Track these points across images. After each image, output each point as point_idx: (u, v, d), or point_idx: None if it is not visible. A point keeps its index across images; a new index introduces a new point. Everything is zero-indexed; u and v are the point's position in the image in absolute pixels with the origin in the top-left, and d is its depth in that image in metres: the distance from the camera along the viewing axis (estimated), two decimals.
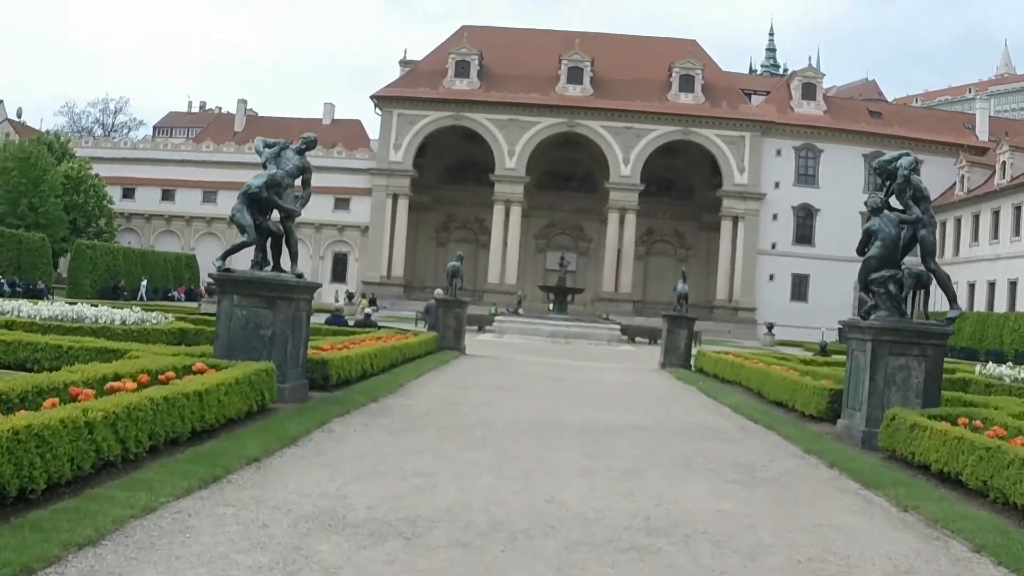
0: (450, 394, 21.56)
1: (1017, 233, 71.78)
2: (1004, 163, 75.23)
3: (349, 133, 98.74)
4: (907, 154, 19.19)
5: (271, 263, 18.35)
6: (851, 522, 10.98)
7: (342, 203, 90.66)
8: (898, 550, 9.72)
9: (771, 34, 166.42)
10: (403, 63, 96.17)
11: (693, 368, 34.51)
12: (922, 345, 17.43)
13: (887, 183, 19.02)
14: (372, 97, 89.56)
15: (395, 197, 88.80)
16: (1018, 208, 72.33)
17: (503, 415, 18.28)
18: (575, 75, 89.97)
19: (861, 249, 18.73)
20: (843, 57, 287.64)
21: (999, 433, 13.73)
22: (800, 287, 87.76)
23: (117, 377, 12.51)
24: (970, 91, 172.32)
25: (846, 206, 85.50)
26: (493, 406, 19.74)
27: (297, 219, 18.97)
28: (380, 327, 35.43)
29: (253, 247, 18.11)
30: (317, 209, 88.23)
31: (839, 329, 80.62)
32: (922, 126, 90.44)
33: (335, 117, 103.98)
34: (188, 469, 10.71)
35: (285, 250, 18.53)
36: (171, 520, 8.79)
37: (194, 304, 61.34)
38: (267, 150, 18.61)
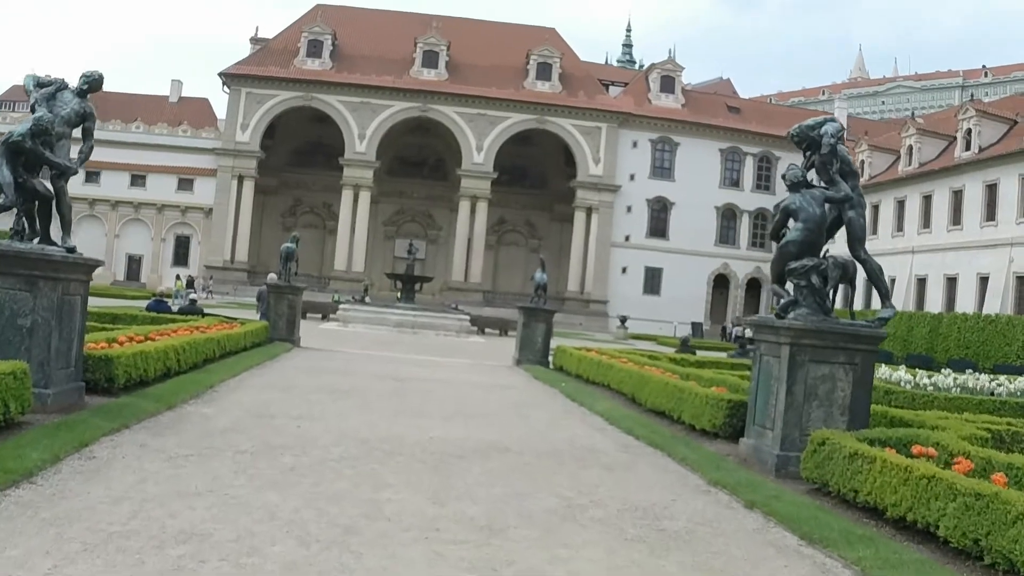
0: (268, 399, 17.27)
1: (874, 231, 69.94)
2: (863, 162, 73.64)
3: (197, 111, 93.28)
4: (832, 119, 15.54)
5: (37, 233, 14.06)
6: None
7: (186, 183, 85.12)
8: None
9: (628, 30, 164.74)
10: (254, 40, 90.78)
11: (552, 366, 30.69)
12: (850, 351, 13.88)
13: (807, 153, 15.34)
14: (220, 75, 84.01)
15: (241, 179, 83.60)
16: (876, 207, 70.50)
17: (328, 431, 14.12)
18: (430, 59, 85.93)
19: (776, 232, 15.04)
20: (699, 57, 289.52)
21: (967, 467, 10.26)
22: (653, 280, 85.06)
23: None
24: (823, 93, 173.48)
25: (701, 200, 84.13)
26: (318, 417, 15.57)
27: (75, 179, 14.69)
28: (206, 314, 30.88)
29: (15, 213, 13.88)
30: (160, 189, 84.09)
31: (692, 324, 79.14)
32: (780, 123, 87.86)
33: (183, 95, 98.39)
34: None
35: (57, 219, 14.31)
36: None
37: None
38: (39, 90, 14.33)
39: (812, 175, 15.12)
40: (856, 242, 15.06)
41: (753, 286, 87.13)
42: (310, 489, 10.23)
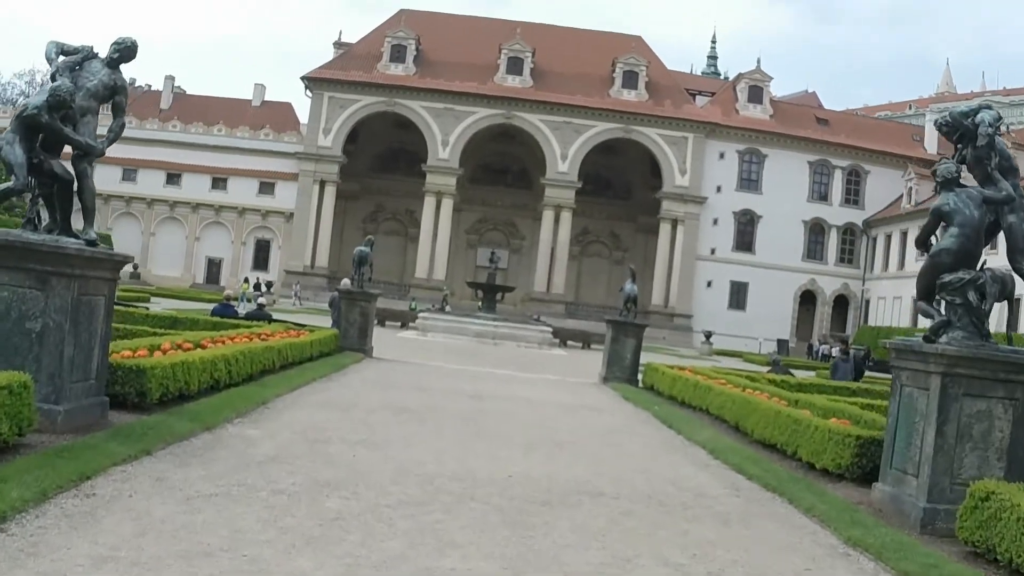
0: (325, 420, 15.00)
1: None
2: None
3: (279, 115, 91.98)
4: (988, 107, 12.85)
5: (57, 224, 11.83)
6: None
7: (267, 187, 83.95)
8: None
9: (713, 41, 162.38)
10: (337, 45, 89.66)
11: (641, 384, 28.16)
12: (1011, 384, 11.32)
13: (959, 146, 12.72)
14: (303, 78, 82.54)
15: (322, 183, 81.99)
16: None
17: (388, 462, 11.81)
18: (515, 66, 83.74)
19: (924, 239, 12.38)
20: (784, 71, 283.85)
21: None
22: (738, 295, 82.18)
23: None
24: (910, 107, 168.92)
25: (789, 214, 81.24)
26: (379, 444, 13.26)
27: (93, 163, 12.45)
28: (273, 320, 28.72)
29: (30, 199, 11.70)
30: (241, 192, 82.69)
31: (777, 341, 76.21)
32: (870, 136, 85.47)
33: (265, 99, 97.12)
34: None
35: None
36: None
37: None
38: (62, 58, 12.15)
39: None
40: (1018, 252, 12.37)
41: (840, 303, 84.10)
42: (354, 550, 7.89)
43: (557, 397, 23.31)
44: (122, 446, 10.60)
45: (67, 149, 11.82)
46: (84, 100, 11.95)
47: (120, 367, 13.03)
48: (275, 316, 38.04)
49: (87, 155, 11.98)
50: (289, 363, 21.33)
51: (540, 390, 24.57)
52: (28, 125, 11.16)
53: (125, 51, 12.53)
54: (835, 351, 75.60)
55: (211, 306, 31.89)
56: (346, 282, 33.53)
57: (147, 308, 27.48)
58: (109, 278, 12.35)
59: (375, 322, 33.74)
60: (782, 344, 74.91)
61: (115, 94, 12.48)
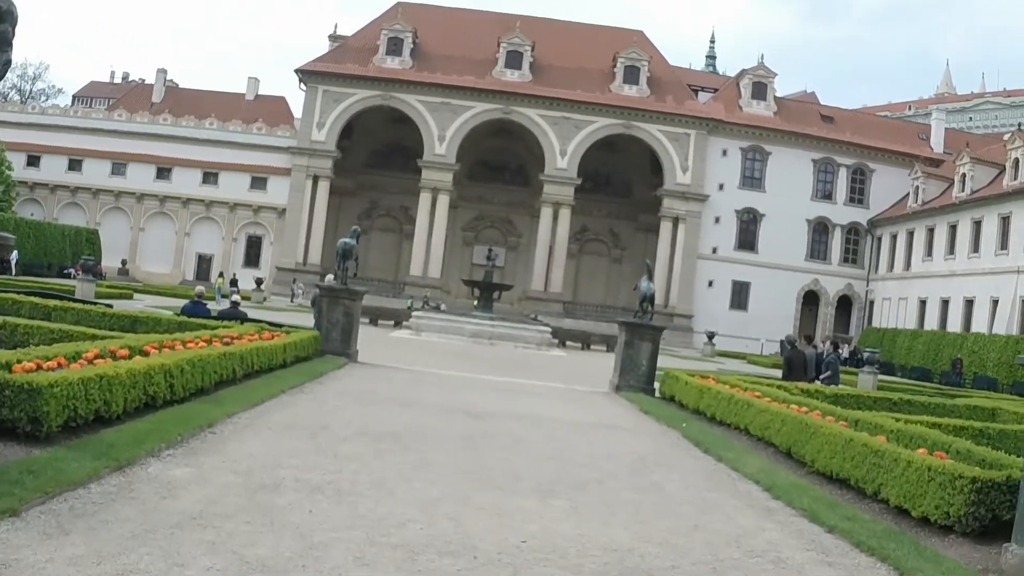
0: (282, 451, 11.49)
1: (976, 249, 63.39)
2: (964, 175, 66.74)
3: (273, 110, 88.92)
4: None
5: None
6: None
7: (259, 182, 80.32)
8: None
9: (712, 41, 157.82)
10: (332, 38, 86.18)
11: (659, 393, 24.73)
12: None
13: None
14: (297, 71, 79.02)
15: (316, 179, 78.56)
16: (978, 223, 63.79)
17: (355, 528, 8.32)
18: (514, 59, 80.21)
19: None
20: (782, 71, 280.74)
21: None
22: (740, 295, 78.73)
23: None
24: (910, 108, 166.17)
25: (792, 212, 78.17)
26: (345, 494, 9.70)
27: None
28: (248, 320, 25.17)
29: None
30: (232, 187, 79.43)
31: (781, 342, 72.62)
32: (875, 134, 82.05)
33: (259, 92, 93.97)
34: None
35: None
36: None
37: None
38: None
39: None
40: None
41: (844, 303, 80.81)
42: None
43: (568, 412, 19.68)
44: None
45: None
46: None
47: (7, 385, 9.63)
48: (264, 315, 34.65)
49: None
50: (255, 371, 17.81)
51: (547, 403, 20.91)
52: None
53: None
54: (844, 353, 72.66)
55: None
56: (330, 278, 29.99)
57: (110, 306, 23.96)
58: None
59: (363, 322, 30.30)
60: (783, 345, 71.49)
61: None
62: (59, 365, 11.37)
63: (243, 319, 24.91)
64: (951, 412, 21.12)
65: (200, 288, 28.25)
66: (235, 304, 27.63)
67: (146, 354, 13.71)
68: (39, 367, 10.85)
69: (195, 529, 7.71)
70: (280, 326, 24.41)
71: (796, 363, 27.31)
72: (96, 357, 12.42)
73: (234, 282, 64.34)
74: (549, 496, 10.69)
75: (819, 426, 14.15)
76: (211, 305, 29.53)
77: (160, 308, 33.06)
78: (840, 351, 44.30)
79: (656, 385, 25.26)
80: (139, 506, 8.21)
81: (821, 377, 27.47)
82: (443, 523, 8.84)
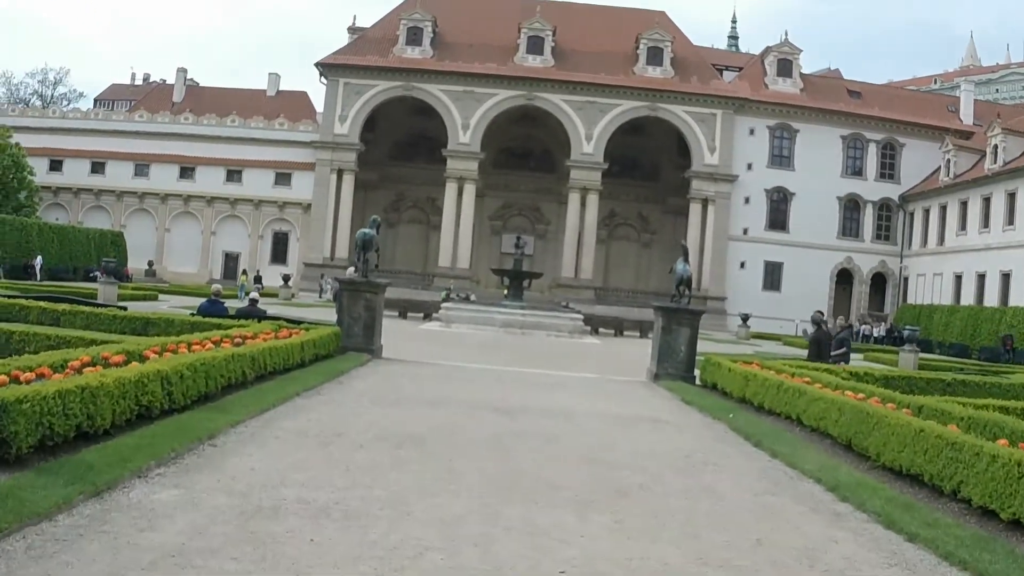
0: (289, 465, 10.19)
1: (1011, 222, 61.63)
2: (996, 147, 64.95)
3: (295, 105, 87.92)
4: None
5: None
6: None
7: (283, 178, 79.26)
8: None
9: (734, 21, 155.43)
10: (351, 30, 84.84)
11: (699, 381, 23.39)
12: None
13: None
14: (317, 65, 77.64)
15: (340, 173, 77.31)
16: (1012, 195, 62.00)
17: (364, 560, 7.03)
18: (535, 45, 78.67)
19: None
20: (806, 49, 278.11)
21: None
22: (773, 275, 77.05)
23: None
24: (935, 81, 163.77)
25: (823, 190, 76.49)
26: (356, 516, 8.37)
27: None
28: (266, 318, 23.90)
29: None
30: (256, 184, 78.48)
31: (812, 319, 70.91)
32: (905, 108, 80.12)
33: (280, 88, 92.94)
34: None
35: None
36: None
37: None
38: None
39: None
40: None
41: (878, 281, 79.06)
42: None
43: (605, 405, 18.25)
44: None
45: None
46: None
47: None
48: (289, 311, 33.46)
49: None
50: (268, 373, 16.52)
51: (582, 396, 19.55)
52: None
53: None
54: (877, 331, 71.10)
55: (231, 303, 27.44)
56: (351, 271, 28.71)
57: (124, 308, 22.86)
58: None
59: (392, 315, 28.97)
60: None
61: None
62: (39, 376, 10.13)
63: (261, 317, 23.64)
64: (1008, 392, 19.59)
65: (217, 286, 27.12)
66: (253, 302, 26.32)
67: (145, 359, 12.48)
68: (15, 379, 9.63)
69: (171, 570, 6.43)
70: (299, 323, 23.16)
71: (824, 342, 26.24)
72: (86, 365, 11.21)
73: (258, 279, 63.33)
74: (588, 508, 9.34)
75: (882, 415, 12.75)
76: (234, 303, 28.31)
77: (184, 308, 31.96)
78: (851, 327, 42.97)
79: (696, 372, 23.90)
80: (110, 542, 6.94)
81: (833, 353, 26.14)
82: (467, 551, 7.52)
